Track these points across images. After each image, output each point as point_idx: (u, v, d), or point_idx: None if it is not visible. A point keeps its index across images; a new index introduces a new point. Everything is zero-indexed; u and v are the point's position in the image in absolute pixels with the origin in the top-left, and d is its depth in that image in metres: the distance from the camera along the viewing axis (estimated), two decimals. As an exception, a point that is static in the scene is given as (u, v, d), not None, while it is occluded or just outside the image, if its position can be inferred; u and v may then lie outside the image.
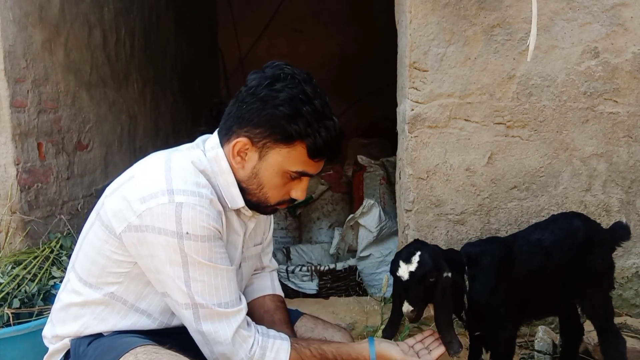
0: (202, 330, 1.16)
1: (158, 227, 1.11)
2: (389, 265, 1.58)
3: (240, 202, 1.25)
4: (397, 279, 1.52)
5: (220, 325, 1.16)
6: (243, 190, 1.24)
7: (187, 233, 1.11)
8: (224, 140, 1.24)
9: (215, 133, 1.28)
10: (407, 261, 1.48)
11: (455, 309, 1.60)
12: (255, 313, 1.42)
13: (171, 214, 1.10)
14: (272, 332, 1.25)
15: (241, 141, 1.20)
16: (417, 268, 1.47)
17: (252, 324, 1.24)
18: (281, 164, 1.19)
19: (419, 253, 1.49)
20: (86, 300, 1.21)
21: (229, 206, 1.24)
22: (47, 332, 1.29)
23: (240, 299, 1.22)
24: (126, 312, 1.22)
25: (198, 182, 1.16)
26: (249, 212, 1.29)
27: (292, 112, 1.15)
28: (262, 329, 1.25)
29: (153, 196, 1.12)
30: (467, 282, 1.61)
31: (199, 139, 1.31)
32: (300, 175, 1.22)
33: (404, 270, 1.48)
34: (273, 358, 1.18)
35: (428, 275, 1.48)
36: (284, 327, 1.38)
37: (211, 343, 1.17)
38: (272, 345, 1.20)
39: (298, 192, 1.26)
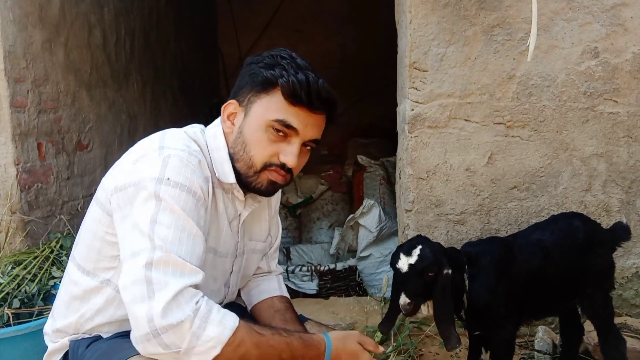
0: (150, 276, 1.00)
1: (141, 177, 1.08)
2: (389, 264, 1.58)
3: (231, 177, 1.22)
4: (396, 272, 1.52)
5: (172, 276, 1.02)
6: (232, 159, 1.22)
7: (169, 179, 1.08)
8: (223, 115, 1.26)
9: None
10: (408, 254, 1.49)
11: (454, 308, 1.60)
12: (265, 313, 1.42)
13: (157, 163, 1.10)
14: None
15: (230, 103, 1.21)
16: (417, 261, 1.48)
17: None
18: (262, 115, 1.17)
19: (420, 247, 1.50)
20: (84, 289, 1.20)
21: (220, 179, 1.22)
22: (47, 328, 1.29)
23: (199, 271, 1.08)
24: (121, 301, 1.15)
25: (189, 145, 1.17)
26: (241, 196, 1.27)
27: (271, 62, 1.18)
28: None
29: (144, 155, 1.13)
30: (466, 282, 1.61)
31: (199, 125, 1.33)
32: (283, 125, 1.16)
33: (404, 263, 1.49)
34: (219, 319, 1.05)
35: (427, 269, 1.48)
36: (297, 324, 1.37)
37: (155, 292, 1.00)
38: (218, 309, 1.07)
39: (288, 156, 1.18)
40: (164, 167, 1.08)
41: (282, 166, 1.19)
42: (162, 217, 1.05)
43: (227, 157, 1.22)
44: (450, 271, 1.52)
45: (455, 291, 1.58)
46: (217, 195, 1.23)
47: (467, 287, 1.61)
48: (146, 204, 1.06)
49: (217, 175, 1.22)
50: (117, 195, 1.12)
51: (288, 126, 1.17)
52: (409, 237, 2.21)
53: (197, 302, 1.03)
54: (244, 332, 1.06)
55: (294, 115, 1.16)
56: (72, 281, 1.23)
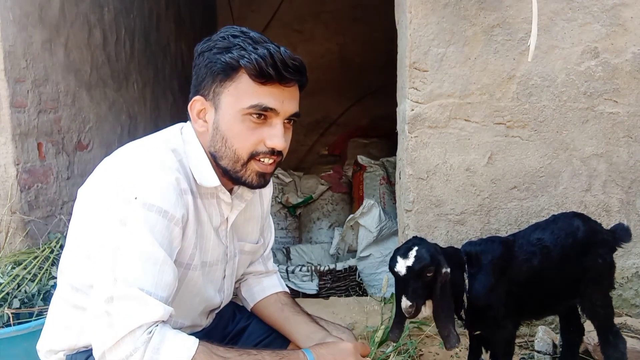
0: (110, 312, 0.97)
1: (109, 195, 1.03)
2: (388, 268, 1.58)
3: (212, 180, 1.15)
4: (395, 275, 1.53)
5: (132, 311, 0.96)
6: (215, 158, 1.14)
7: (136, 198, 1.00)
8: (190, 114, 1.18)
9: None
10: (405, 256, 1.50)
11: (454, 308, 1.60)
12: (272, 307, 1.41)
13: (127, 180, 1.04)
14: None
15: (196, 100, 1.13)
16: (414, 262, 1.48)
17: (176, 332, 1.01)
18: (234, 105, 1.09)
19: (416, 248, 1.50)
20: (74, 305, 1.15)
21: (203, 185, 1.15)
22: (40, 347, 1.23)
23: (163, 306, 1.00)
24: None
25: (164, 159, 1.10)
26: (227, 198, 1.21)
27: (225, 45, 1.08)
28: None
29: (115, 169, 1.08)
30: (466, 281, 1.61)
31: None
32: (260, 110, 1.08)
33: (402, 266, 1.49)
34: (173, 347, 0.98)
35: (425, 269, 1.48)
36: (306, 315, 1.37)
37: (113, 328, 0.96)
38: (174, 335, 1.00)
39: (274, 140, 1.10)
40: (134, 185, 1.02)
41: (271, 151, 1.13)
42: (126, 245, 0.99)
43: (206, 160, 1.15)
44: (448, 270, 1.52)
45: (455, 290, 1.58)
46: (198, 207, 1.16)
47: (466, 287, 1.61)
48: (111, 228, 1.01)
49: (198, 181, 1.15)
50: (85, 210, 1.09)
51: (265, 109, 1.09)
52: (409, 237, 2.22)
53: (149, 332, 0.97)
54: (203, 357, 0.99)
55: (267, 95, 1.08)
56: (62, 297, 1.18)
